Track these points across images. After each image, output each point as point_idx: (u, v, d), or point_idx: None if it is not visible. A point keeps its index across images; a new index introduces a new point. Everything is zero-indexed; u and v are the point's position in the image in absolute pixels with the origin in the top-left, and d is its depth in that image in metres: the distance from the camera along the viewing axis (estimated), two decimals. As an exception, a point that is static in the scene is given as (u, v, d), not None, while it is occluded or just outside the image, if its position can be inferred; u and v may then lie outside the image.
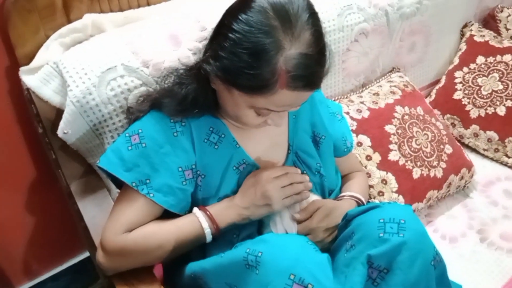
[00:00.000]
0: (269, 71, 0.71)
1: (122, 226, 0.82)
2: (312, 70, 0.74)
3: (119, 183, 0.86)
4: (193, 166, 0.86)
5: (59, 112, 0.97)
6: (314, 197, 0.93)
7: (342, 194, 1.00)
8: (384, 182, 1.20)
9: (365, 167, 1.21)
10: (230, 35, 0.72)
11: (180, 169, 0.85)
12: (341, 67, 1.32)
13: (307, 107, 0.99)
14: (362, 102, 1.31)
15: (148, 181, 0.83)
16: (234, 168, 0.89)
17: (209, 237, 0.84)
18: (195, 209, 0.86)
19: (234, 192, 0.89)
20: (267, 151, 0.94)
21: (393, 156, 1.23)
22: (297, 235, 0.79)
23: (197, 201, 0.88)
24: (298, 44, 0.72)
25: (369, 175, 1.20)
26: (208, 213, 0.84)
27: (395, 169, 1.22)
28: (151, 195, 0.82)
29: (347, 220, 0.83)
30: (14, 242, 1.27)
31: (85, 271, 1.35)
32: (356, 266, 0.76)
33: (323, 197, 0.97)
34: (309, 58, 0.73)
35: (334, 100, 1.31)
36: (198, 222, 0.83)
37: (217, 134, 0.88)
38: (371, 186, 1.20)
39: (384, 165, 1.22)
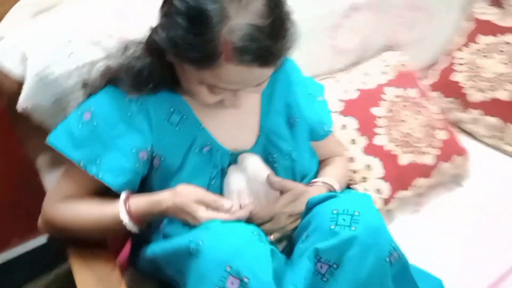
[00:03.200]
0: (210, 41, 0.66)
1: (60, 196, 0.84)
2: (261, 44, 0.67)
3: None
4: (149, 148, 0.82)
5: (21, 86, 0.93)
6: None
7: (314, 180, 0.94)
8: (368, 167, 1.14)
9: (349, 151, 1.15)
10: (174, 0, 0.68)
11: (133, 150, 0.81)
12: (329, 44, 1.25)
13: (284, 87, 0.93)
14: (350, 82, 1.24)
15: (97, 161, 0.80)
16: (197, 150, 0.85)
17: (135, 230, 0.80)
18: (121, 200, 0.80)
19: (196, 174, 0.84)
20: (235, 133, 0.88)
21: (380, 140, 1.16)
22: (245, 223, 0.74)
23: (154, 182, 0.84)
24: (246, 13, 0.66)
25: (352, 160, 1.14)
26: (127, 206, 0.79)
27: (381, 154, 1.15)
28: (99, 175, 0.80)
29: (308, 208, 0.78)
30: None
31: (47, 255, 1.33)
32: (302, 260, 0.71)
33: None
34: (257, 30, 0.66)
35: (321, 79, 1.24)
36: (119, 215, 0.79)
37: (178, 114, 0.84)
38: (355, 172, 1.14)
39: (370, 149, 1.15)
